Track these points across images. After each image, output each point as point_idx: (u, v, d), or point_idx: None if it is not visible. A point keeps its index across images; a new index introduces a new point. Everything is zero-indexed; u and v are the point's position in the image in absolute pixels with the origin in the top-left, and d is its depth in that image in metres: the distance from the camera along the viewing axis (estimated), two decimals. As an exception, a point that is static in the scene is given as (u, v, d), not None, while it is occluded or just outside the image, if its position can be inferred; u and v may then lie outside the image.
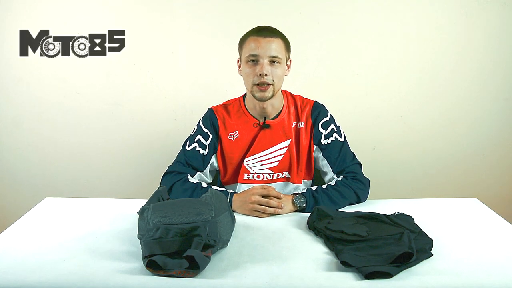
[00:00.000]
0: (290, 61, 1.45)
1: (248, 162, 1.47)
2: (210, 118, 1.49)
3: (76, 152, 2.18)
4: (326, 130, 1.46)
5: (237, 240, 1.10)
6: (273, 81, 1.37)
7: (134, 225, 1.12)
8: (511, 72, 2.09)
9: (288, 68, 1.45)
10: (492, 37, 2.06)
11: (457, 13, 2.04)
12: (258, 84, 1.37)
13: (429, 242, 1.04)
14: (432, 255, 0.99)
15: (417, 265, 0.95)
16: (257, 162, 1.47)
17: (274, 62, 1.36)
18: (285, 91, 1.52)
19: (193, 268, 0.92)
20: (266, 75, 1.35)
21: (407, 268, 0.93)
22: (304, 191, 1.36)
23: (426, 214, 1.25)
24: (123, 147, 2.18)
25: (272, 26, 1.43)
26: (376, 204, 1.33)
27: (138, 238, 1.03)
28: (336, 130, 1.48)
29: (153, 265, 0.93)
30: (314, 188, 1.37)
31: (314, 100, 1.52)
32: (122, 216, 1.26)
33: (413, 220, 1.17)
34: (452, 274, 0.92)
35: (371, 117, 2.14)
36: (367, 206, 1.30)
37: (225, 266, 0.97)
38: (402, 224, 1.12)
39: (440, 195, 2.12)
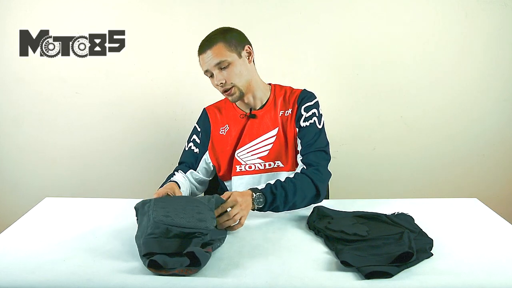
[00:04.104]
0: (249, 47, 1.43)
1: (239, 153, 1.49)
2: (203, 118, 1.56)
3: (76, 152, 2.19)
4: (307, 113, 1.45)
5: (237, 240, 1.10)
6: (232, 82, 1.40)
7: (134, 225, 1.12)
8: (511, 72, 2.10)
9: (249, 55, 1.43)
10: (492, 37, 2.06)
11: (457, 13, 2.04)
12: (224, 91, 1.42)
13: (429, 242, 1.04)
14: (432, 255, 0.99)
15: (417, 265, 0.95)
16: (247, 152, 1.48)
17: (222, 67, 1.38)
18: (274, 84, 1.54)
19: (194, 265, 0.92)
20: (222, 83, 1.39)
21: (407, 268, 0.93)
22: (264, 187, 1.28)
23: (426, 214, 1.25)
24: (123, 147, 2.18)
25: (215, 30, 1.42)
26: (376, 204, 1.33)
27: (136, 237, 1.03)
28: (317, 115, 1.46)
29: (154, 265, 0.93)
30: (273, 182, 1.29)
31: (304, 89, 1.52)
32: (122, 216, 1.26)
33: (413, 220, 1.17)
34: (452, 274, 0.92)
35: (371, 117, 2.14)
36: (367, 206, 1.30)
37: (225, 265, 0.97)
38: (402, 224, 1.12)
39: (440, 195, 2.12)
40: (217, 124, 1.53)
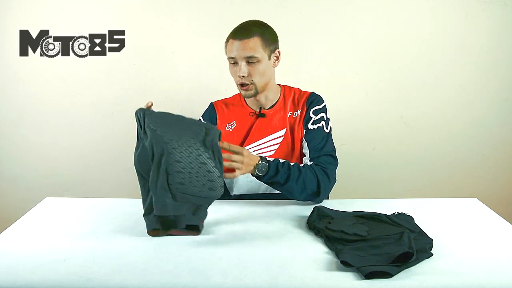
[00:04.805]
0: (279, 51, 1.45)
1: None
2: (209, 112, 1.56)
3: (76, 152, 2.18)
4: (316, 116, 1.46)
5: (237, 240, 1.10)
6: (252, 80, 1.40)
7: (134, 225, 1.12)
8: (511, 72, 2.10)
9: (277, 59, 1.45)
10: (492, 37, 2.06)
11: (457, 13, 2.04)
12: (240, 84, 1.41)
13: (429, 242, 1.04)
14: (432, 255, 0.99)
15: (417, 265, 0.95)
16: (253, 151, 1.48)
17: (251, 61, 1.38)
18: (283, 85, 1.55)
19: (191, 229, 1.11)
20: (244, 76, 1.38)
21: (407, 268, 0.93)
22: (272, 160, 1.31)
23: (426, 214, 1.25)
24: (123, 147, 2.18)
25: (254, 21, 1.42)
26: (376, 204, 1.33)
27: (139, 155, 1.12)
28: (324, 119, 1.47)
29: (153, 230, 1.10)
30: (282, 161, 1.32)
31: (312, 91, 1.53)
32: (122, 216, 1.26)
33: (413, 220, 1.17)
34: (452, 274, 0.92)
35: (371, 117, 2.14)
36: (367, 206, 1.30)
37: (225, 266, 0.97)
38: (402, 224, 1.12)
39: (440, 195, 2.12)
40: (224, 119, 1.53)
